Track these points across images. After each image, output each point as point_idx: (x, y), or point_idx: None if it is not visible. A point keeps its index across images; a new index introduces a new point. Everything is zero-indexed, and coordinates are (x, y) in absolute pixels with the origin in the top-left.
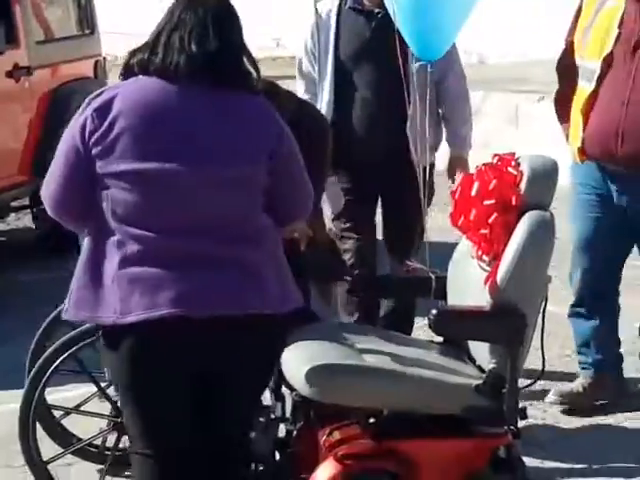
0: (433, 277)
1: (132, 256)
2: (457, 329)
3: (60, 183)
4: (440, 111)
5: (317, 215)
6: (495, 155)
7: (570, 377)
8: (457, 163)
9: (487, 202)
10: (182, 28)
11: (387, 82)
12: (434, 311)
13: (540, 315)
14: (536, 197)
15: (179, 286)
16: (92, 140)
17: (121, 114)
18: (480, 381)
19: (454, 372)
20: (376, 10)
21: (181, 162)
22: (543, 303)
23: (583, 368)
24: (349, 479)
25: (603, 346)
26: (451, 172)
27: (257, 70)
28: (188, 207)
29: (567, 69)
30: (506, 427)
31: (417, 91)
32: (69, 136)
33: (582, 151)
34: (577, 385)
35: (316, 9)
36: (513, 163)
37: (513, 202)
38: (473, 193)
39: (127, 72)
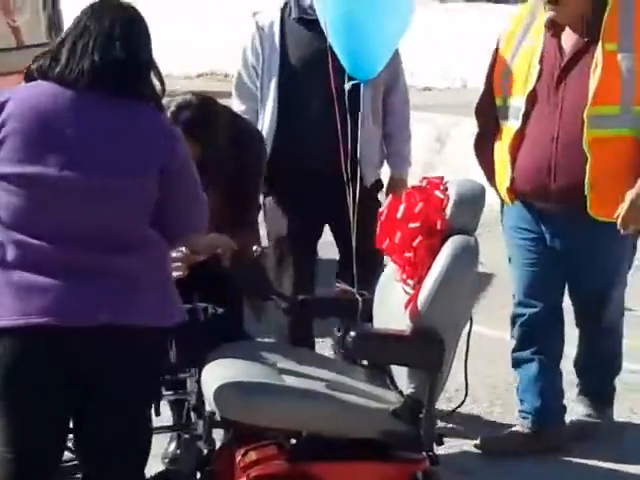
0: (360, 299)
1: (11, 260)
2: (373, 352)
3: None
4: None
5: (249, 232)
6: (424, 178)
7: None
8: (398, 183)
9: (412, 225)
10: (86, 36)
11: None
12: (352, 333)
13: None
14: (461, 222)
15: (51, 294)
16: None
17: (10, 117)
18: (398, 405)
19: (373, 396)
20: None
21: (66, 169)
22: (467, 326)
23: (523, 417)
24: None
25: (545, 394)
26: (391, 192)
27: (162, 83)
28: (69, 214)
29: (487, 111)
30: (424, 452)
31: (365, 107)
32: None
33: (512, 191)
34: (511, 434)
35: (256, 22)
36: (441, 187)
37: (438, 226)
38: (399, 215)
39: (28, 77)
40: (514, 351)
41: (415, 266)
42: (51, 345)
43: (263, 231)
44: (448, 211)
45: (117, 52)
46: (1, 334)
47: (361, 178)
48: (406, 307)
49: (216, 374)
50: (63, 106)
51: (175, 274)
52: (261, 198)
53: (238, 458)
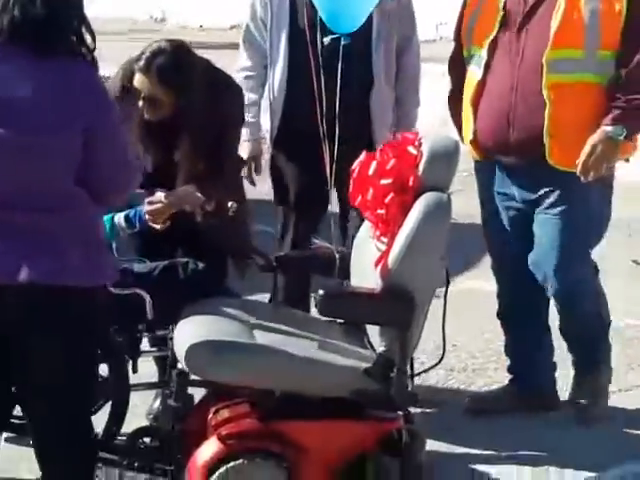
0: (337, 256)
1: None
2: (343, 310)
3: None
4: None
5: (224, 185)
6: (398, 134)
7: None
8: None
9: (384, 181)
10: None
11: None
12: (320, 291)
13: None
14: (434, 178)
15: None
16: None
17: None
18: (370, 364)
19: (347, 354)
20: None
21: None
22: (444, 286)
23: (511, 380)
24: (231, 459)
25: (534, 365)
26: None
27: (93, 38)
28: None
29: (457, 65)
30: (398, 411)
31: (377, 67)
32: None
33: (476, 145)
34: (497, 391)
35: None
36: (416, 143)
37: (410, 182)
38: (371, 172)
39: None
40: (499, 317)
41: (387, 223)
42: None
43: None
44: (421, 167)
45: (37, 8)
46: None
47: (371, 138)
48: (376, 265)
49: (186, 331)
50: None
51: (156, 226)
52: (267, 158)
53: (210, 416)
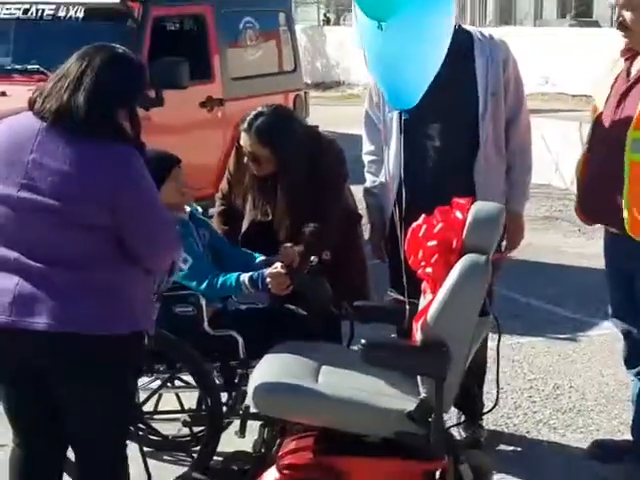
0: (407, 308)
1: None
2: (382, 360)
3: None
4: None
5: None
6: (453, 200)
7: None
8: (512, 218)
9: (430, 243)
10: (64, 79)
11: (454, 130)
12: (363, 341)
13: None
14: (476, 241)
15: (7, 296)
16: None
17: None
18: (412, 408)
19: (396, 398)
20: None
21: (23, 190)
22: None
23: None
24: None
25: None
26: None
27: (136, 127)
28: (24, 230)
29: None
30: (437, 454)
31: (484, 133)
32: None
33: (579, 211)
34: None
35: None
36: (467, 208)
37: (454, 244)
38: (420, 234)
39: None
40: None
41: (434, 281)
42: (7, 342)
43: None
44: (465, 231)
45: (78, 98)
46: None
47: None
48: (417, 320)
49: (259, 370)
50: (33, 137)
51: (281, 293)
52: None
53: (281, 446)
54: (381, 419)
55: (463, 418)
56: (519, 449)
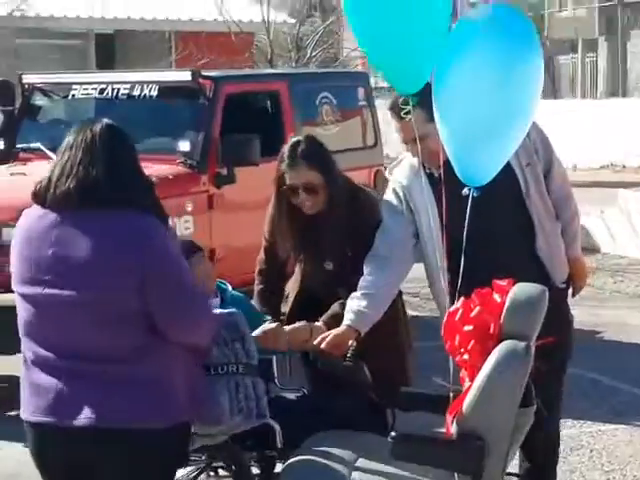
0: (451, 395)
1: (29, 361)
2: (412, 455)
3: None
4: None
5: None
6: (494, 282)
7: None
8: (574, 264)
9: (466, 328)
10: (67, 165)
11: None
12: (392, 434)
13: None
14: (515, 327)
15: (51, 395)
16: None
17: (13, 246)
18: None
19: None
20: (435, 173)
21: (47, 287)
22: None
23: None
24: None
25: None
26: (573, 274)
27: (149, 188)
28: (54, 326)
29: None
30: None
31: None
32: None
33: None
34: None
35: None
36: (506, 290)
37: (491, 330)
38: (457, 318)
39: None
40: None
41: (471, 369)
42: (55, 439)
43: None
44: (503, 315)
45: (95, 170)
46: (26, 423)
47: (549, 279)
48: (451, 411)
49: (292, 464)
50: (46, 229)
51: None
52: None
53: None
54: None
55: None
56: None
